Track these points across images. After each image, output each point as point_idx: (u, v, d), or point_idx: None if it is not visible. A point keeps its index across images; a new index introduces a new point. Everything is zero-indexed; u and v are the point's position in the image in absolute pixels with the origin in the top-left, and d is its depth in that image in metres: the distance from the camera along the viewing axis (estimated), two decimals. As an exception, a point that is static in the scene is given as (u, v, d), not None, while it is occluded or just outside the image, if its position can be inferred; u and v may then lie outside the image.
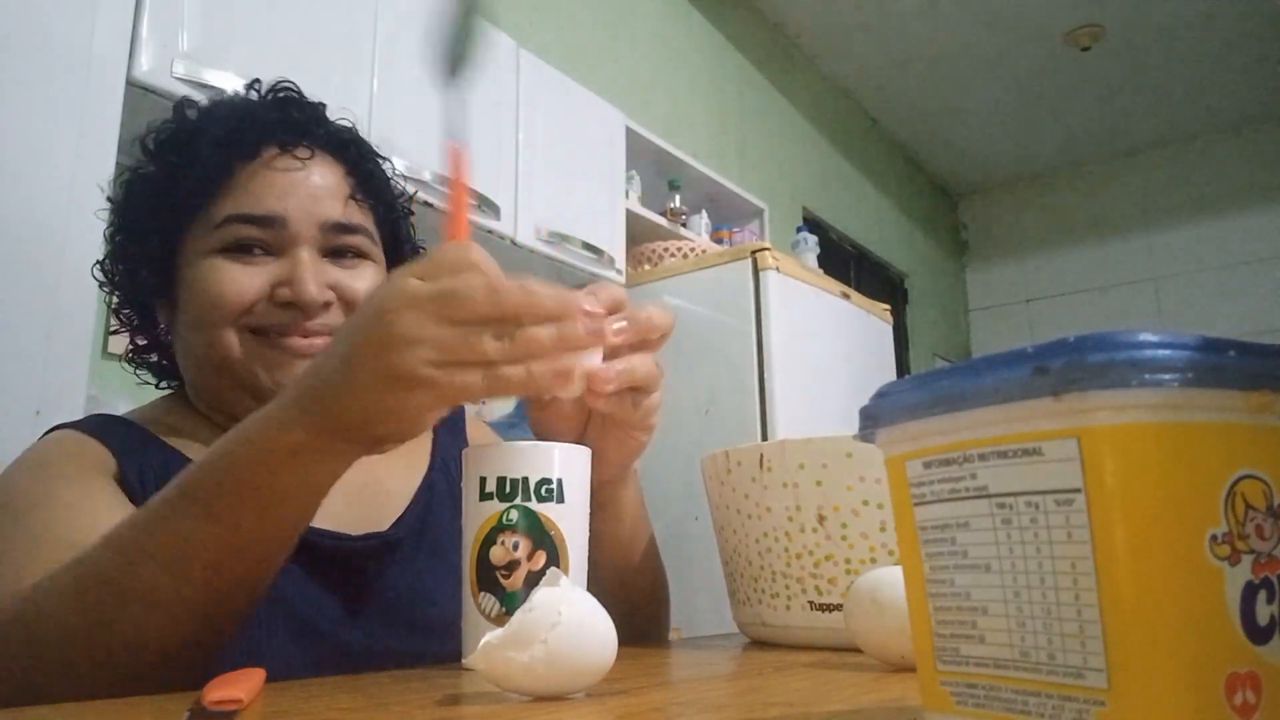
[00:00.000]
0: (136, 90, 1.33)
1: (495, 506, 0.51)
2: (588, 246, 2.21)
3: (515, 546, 0.50)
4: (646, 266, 2.58)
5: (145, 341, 0.77)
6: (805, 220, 3.79)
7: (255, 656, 0.53)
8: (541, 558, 0.50)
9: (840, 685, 0.44)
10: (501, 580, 0.50)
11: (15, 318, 1.12)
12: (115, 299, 0.76)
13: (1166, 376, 0.23)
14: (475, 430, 0.88)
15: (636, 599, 0.71)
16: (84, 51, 1.24)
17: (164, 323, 0.75)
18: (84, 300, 1.18)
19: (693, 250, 2.64)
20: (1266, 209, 4.62)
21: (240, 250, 0.68)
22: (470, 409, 0.90)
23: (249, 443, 0.48)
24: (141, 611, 0.48)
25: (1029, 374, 0.24)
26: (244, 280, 0.67)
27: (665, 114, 3.05)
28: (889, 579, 0.49)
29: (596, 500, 0.57)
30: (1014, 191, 5.44)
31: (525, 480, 0.51)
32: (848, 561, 0.61)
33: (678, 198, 2.81)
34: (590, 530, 0.55)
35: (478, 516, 0.51)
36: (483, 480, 0.51)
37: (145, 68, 1.33)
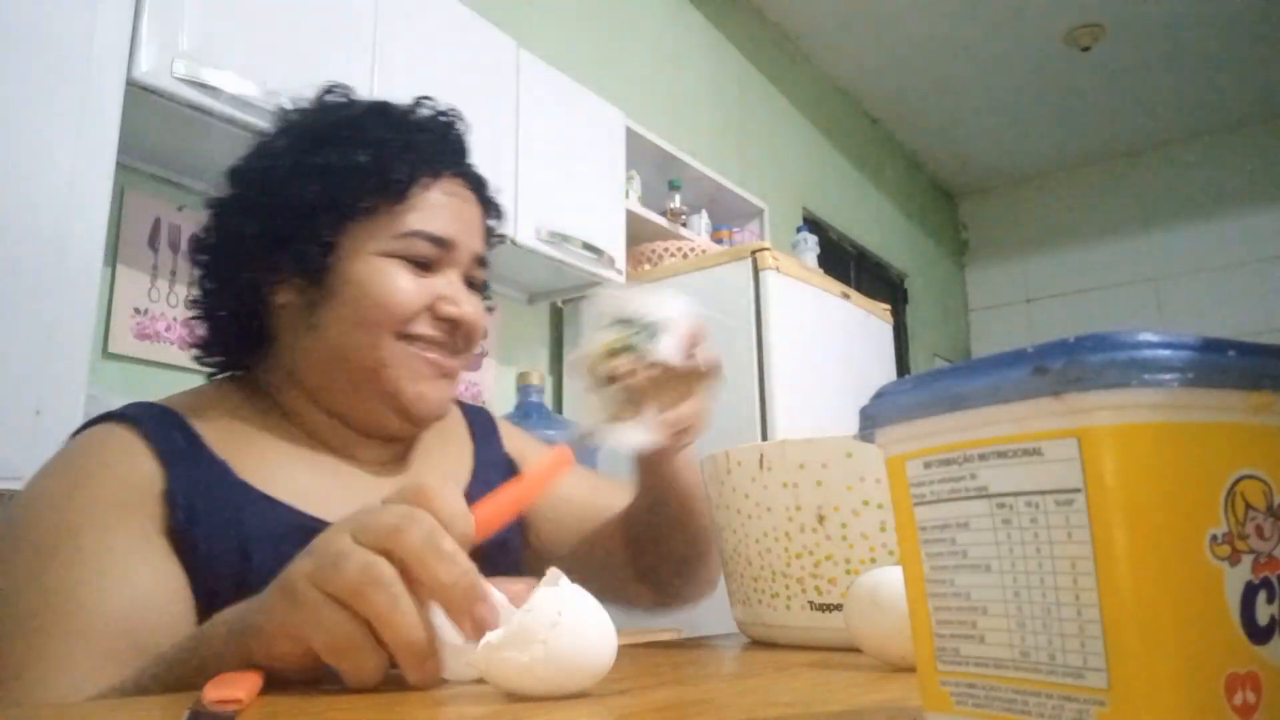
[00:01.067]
0: (136, 90, 1.33)
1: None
2: (588, 246, 2.21)
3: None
4: (646, 266, 2.58)
5: (218, 331, 0.75)
6: (805, 220, 3.79)
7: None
8: None
9: (840, 685, 0.44)
10: None
11: (15, 318, 1.12)
12: (221, 271, 0.73)
13: (1166, 376, 0.23)
14: (510, 435, 0.89)
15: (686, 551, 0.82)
16: (84, 51, 1.24)
17: (285, 301, 0.72)
18: (84, 300, 1.18)
19: (693, 250, 2.64)
20: (1266, 209, 4.62)
21: (415, 261, 0.71)
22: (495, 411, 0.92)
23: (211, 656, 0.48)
24: None
25: (1029, 374, 0.24)
26: (414, 292, 0.70)
27: (665, 114, 3.05)
28: (889, 579, 0.49)
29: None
30: (1014, 191, 5.44)
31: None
32: (848, 561, 0.61)
33: (678, 198, 2.81)
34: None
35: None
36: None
37: (145, 68, 1.33)
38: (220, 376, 0.78)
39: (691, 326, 0.65)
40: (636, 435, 0.61)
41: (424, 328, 0.71)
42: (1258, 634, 0.23)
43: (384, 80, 1.68)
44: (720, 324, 2.34)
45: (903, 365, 4.16)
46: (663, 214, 2.72)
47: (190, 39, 1.40)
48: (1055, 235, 5.25)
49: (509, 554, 0.80)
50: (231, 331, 0.75)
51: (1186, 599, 0.23)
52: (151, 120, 1.45)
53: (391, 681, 0.47)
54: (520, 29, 2.25)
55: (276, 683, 0.45)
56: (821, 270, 2.85)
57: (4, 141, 1.14)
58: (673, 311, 0.63)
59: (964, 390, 0.26)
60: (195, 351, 0.77)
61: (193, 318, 0.76)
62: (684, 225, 2.79)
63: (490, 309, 0.77)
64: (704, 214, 2.96)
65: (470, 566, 0.44)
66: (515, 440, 0.90)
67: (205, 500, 0.63)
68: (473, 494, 0.77)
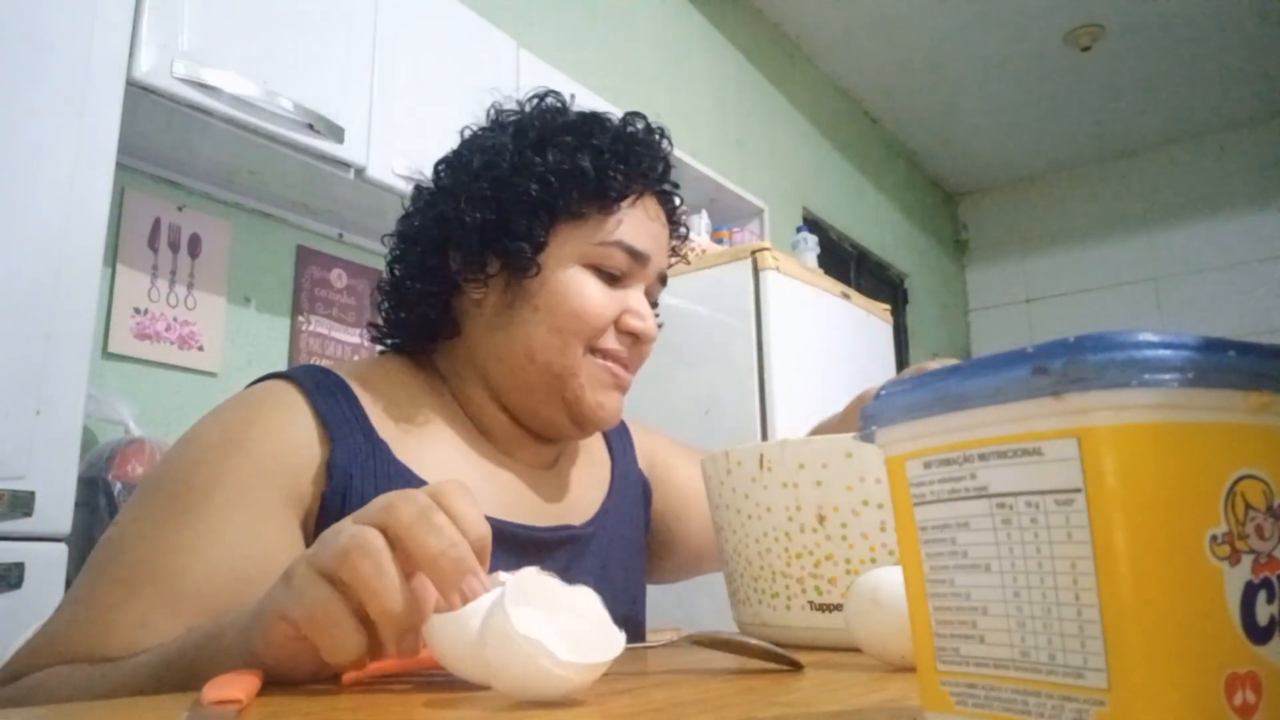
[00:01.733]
0: (136, 90, 1.33)
1: None
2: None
3: None
4: (646, 266, 2.58)
5: (410, 311, 0.76)
6: (805, 220, 3.79)
7: None
8: None
9: (840, 685, 0.44)
10: None
11: (15, 318, 1.12)
12: (424, 259, 0.75)
13: (1166, 376, 0.23)
14: (643, 444, 0.92)
15: None
16: (84, 51, 1.24)
17: (478, 297, 0.74)
18: (84, 300, 1.18)
19: (692, 250, 2.64)
20: (1266, 209, 4.62)
21: (607, 272, 0.73)
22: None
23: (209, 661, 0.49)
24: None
25: (1029, 374, 0.24)
26: (606, 304, 0.72)
27: (665, 114, 3.04)
28: (889, 579, 0.49)
29: None
30: (1014, 191, 5.44)
31: None
32: (848, 561, 0.61)
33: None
34: None
35: None
36: None
37: (145, 68, 1.33)
38: (387, 351, 0.79)
39: None
40: None
41: (610, 342, 0.73)
42: (1258, 634, 0.23)
43: (384, 80, 1.69)
44: (720, 324, 2.34)
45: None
46: (663, 214, 2.72)
47: (190, 39, 1.40)
48: (1055, 235, 5.25)
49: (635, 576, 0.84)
50: (420, 318, 0.76)
51: (1186, 599, 0.23)
52: (151, 120, 1.45)
53: (392, 683, 0.47)
54: (520, 29, 2.25)
55: (277, 683, 0.45)
56: (821, 270, 2.85)
57: (4, 141, 1.14)
58: None
59: (964, 390, 0.26)
60: (373, 330, 0.79)
61: (381, 301, 0.78)
62: (684, 225, 2.79)
63: (660, 325, 0.79)
64: (704, 214, 2.95)
65: (461, 540, 0.44)
66: (649, 448, 0.92)
67: (361, 475, 0.64)
68: (610, 508, 0.81)
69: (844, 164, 4.38)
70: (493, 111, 0.78)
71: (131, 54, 1.32)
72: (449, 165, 0.76)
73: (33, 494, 1.07)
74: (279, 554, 0.60)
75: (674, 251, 0.84)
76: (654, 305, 0.80)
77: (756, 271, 2.31)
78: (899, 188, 4.93)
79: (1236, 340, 0.24)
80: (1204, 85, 4.37)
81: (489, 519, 0.67)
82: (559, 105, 0.78)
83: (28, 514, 1.07)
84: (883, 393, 0.30)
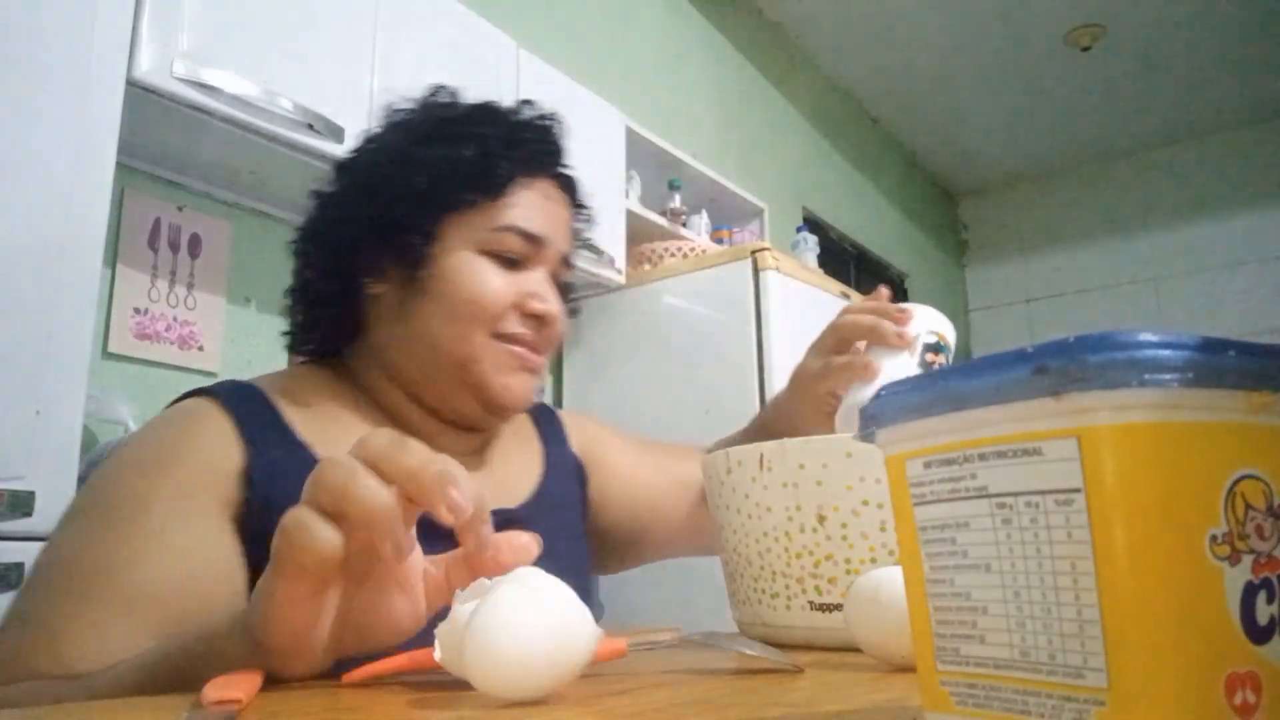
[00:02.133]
0: (136, 90, 1.33)
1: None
2: (588, 246, 2.21)
3: None
4: (646, 266, 2.58)
5: (318, 314, 0.77)
6: (805, 220, 3.79)
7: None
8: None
9: (840, 685, 0.44)
10: None
11: (15, 318, 1.12)
12: (322, 260, 0.76)
13: (1166, 376, 0.23)
14: (575, 430, 0.92)
15: None
16: (84, 51, 1.24)
17: (378, 292, 0.75)
18: (84, 300, 1.18)
19: (693, 250, 2.64)
20: (1266, 209, 4.62)
21: (504, 258, 0.73)
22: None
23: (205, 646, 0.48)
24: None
25: (1029, 374, 0.24)
26: (503, 289, 0.73)
27: (665, 114, 3.05)
28: (889, 579, 0.49)
29: None
30: (1014, 191, 5.44)
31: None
32: (848, 561, 0.61)
33: (678, 198, 2.81)
34: None
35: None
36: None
37: (145, 68, 1.33)
38: (306, 361, 0.80)
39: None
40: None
41: (513, 325, 0.74)
42: (1258, 634, 0.23)
43: (384, 80, 1.69)
44: (720, 324, 2.34)
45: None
46: (663, 214, 2.72)
47: (190, 39, 1.40)
48: (1055, 235, 5.25)
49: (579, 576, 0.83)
50: (327, 319, 0.77)
51: (1186, 599, 0.23)
52: (151, 120, 1.45)
53: (391, 681, 0.47)
54: (520, 29, 2.25)
55: (276, 683, 0.45)
56: (821, 270, 2.85)
57: (4, 141, 1.14)
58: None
59: (964, 390, 0.26)
60: (288, 338, 0.80)
61: (290, 306, 0.79)
62: (684, 225, 2.79)
63: (574, 312, 0.80)
64: (704, 214, 2.96)
65: (437, 456, 0.43)
66: (581, 432, 0.92)
67: (285, 478, 0.64)
68: (545, 493, 0.81)
69: (844, 164, 4.38)
70: (387, 111, 0.79)
71: (131, 54, 1.32)
72: (342, 167, 0.78)
73: (33, 494, 1.07)
74: (223, 557, 0.61)
75: (578, 235, 0.84)
76: (565, 289, 0.80)
77: (756, 271, 2.31)
78: (899, 188, 4.93)
79: (1236, 340, 0.24)
80: (1204, 85, 4.37)
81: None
82: (449, 100, 0.79)
83: (28, 514, 1.07)
84: (883, 393, 0.30)
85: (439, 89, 0.80)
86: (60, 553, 0.60)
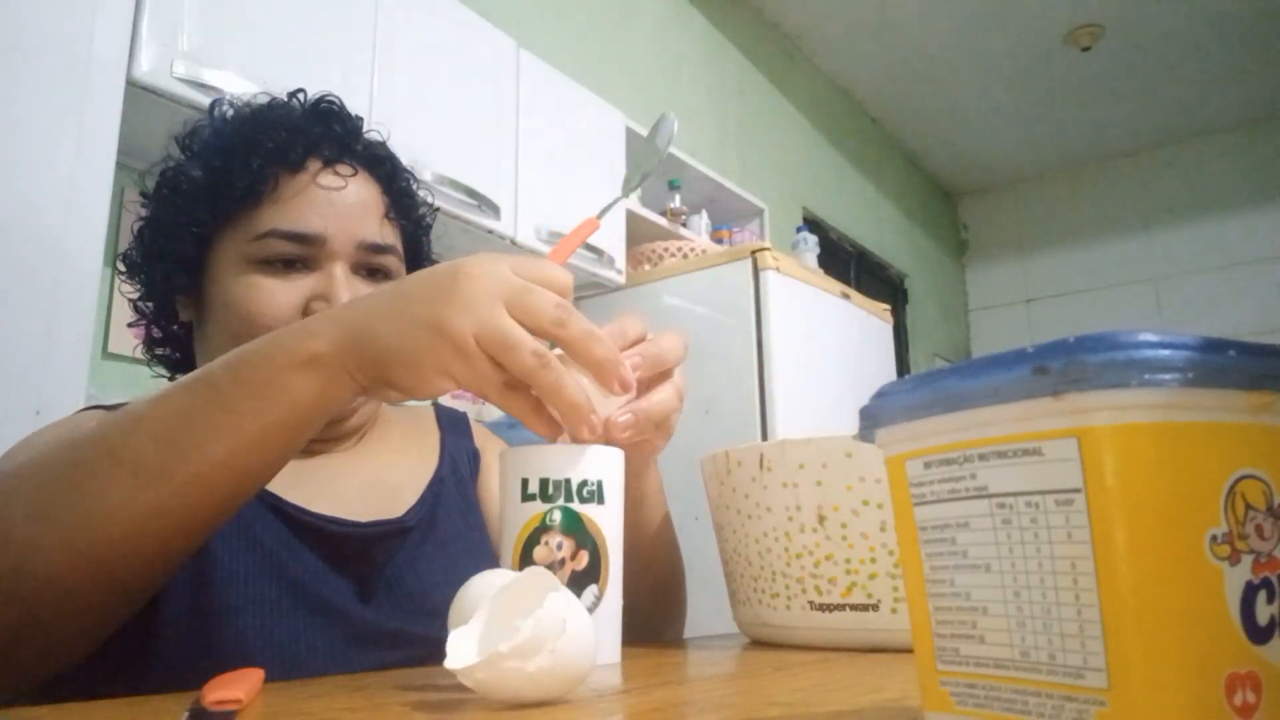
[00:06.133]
0: (136, 90, 1.33)
1: (538, 508, 0.51)
2: (588, 247, 2.21)
3: (559, 547, 0.50)
4: (646, 266, 2.58)
5: (161, 335, 0.77)
6: (805, 220, 3.79)
7: (271, 635, 0.53)
8: (584, 558, 0.51)
9: (840, 685, 0.44)
10: None
11: (15, 318, 1.12)
12: (138, 290, 0.75)
13: (1166, 376, 0.23)
14: (480, 434, 0.88)
15: (661, 576, 0.75)
16: (84, 51, 1.24)
17: (186, 319, 0.75)
18: (84, 300, 1.18)
19: (693, 250, 2.64)
20: (1266, 209, 4.62)
21: (277, 264, 0.68)
22: (470, 408, 0.91)
23: (274, 341, 0.50)
24: (122, 475, 0.47)
25: (1029, 374, 0.24)
26: (280, 296, 0.68)
27: (665, 114, 3.04)
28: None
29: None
30: (1014, 191, 5.44)
31: (567, 481, 0.51)
32: (848, 561, 0.61)
33: (678, 198, 2.81)
34: None
35: (520, 517, 0.51)
36: (525, 481, 0.51)
37: (145, 68, 1.33)
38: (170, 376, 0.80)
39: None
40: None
41: None
42: (1258, 634, 0.23)
43: (384, 80, 1.68)
44: (720, 324, 2.34)
45: (903, 365, 4.16)
46: (663, 214, 2.72)
47: (190, 39, 1.40)
48: (1055, 235, 5.25)
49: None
50: (161, 341, 0.77)
51: (1186, 599, 0.23)
52: (151, 120, 1.45)
53: (391, 681, 0.47)
54: (520, 29, 2.25)
55: (276, 683, 0.45)
56: (821, 270, 2.85)
57: (4, 141, 1.14)
58: None
59: (964, 390, 0.26)
60: (145, 356, 0.79)
61: (136, 321, 0.78)
62: (684, 225, 2.79)
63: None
64: (704, 214, 2.96)
65: (604, 335, 0.50)
66: (484, 439, 0.88)
67: None
68: (442, 478, 0.77)
69: (844, 164, 4.38)
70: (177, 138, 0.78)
71: (131, 54, 1.32)
72: (145, 194, 0.77)
73: (33, 494, 1.07)
74: None
75: (396, 208, 0.76)
76: (379, 272, 0.72)
77: (756, 271, 2.31)
78: (899, 188, 4.93)
79: (1237, 340, 0.24)
80: (1204, 85, 4.37)
81: (298, 512, 0.66)
82: (218, 115, 0.75)
83: (28, 514, 1.06)
84: (883, 392, 0.30)
85: (215, 101, 0.77)
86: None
